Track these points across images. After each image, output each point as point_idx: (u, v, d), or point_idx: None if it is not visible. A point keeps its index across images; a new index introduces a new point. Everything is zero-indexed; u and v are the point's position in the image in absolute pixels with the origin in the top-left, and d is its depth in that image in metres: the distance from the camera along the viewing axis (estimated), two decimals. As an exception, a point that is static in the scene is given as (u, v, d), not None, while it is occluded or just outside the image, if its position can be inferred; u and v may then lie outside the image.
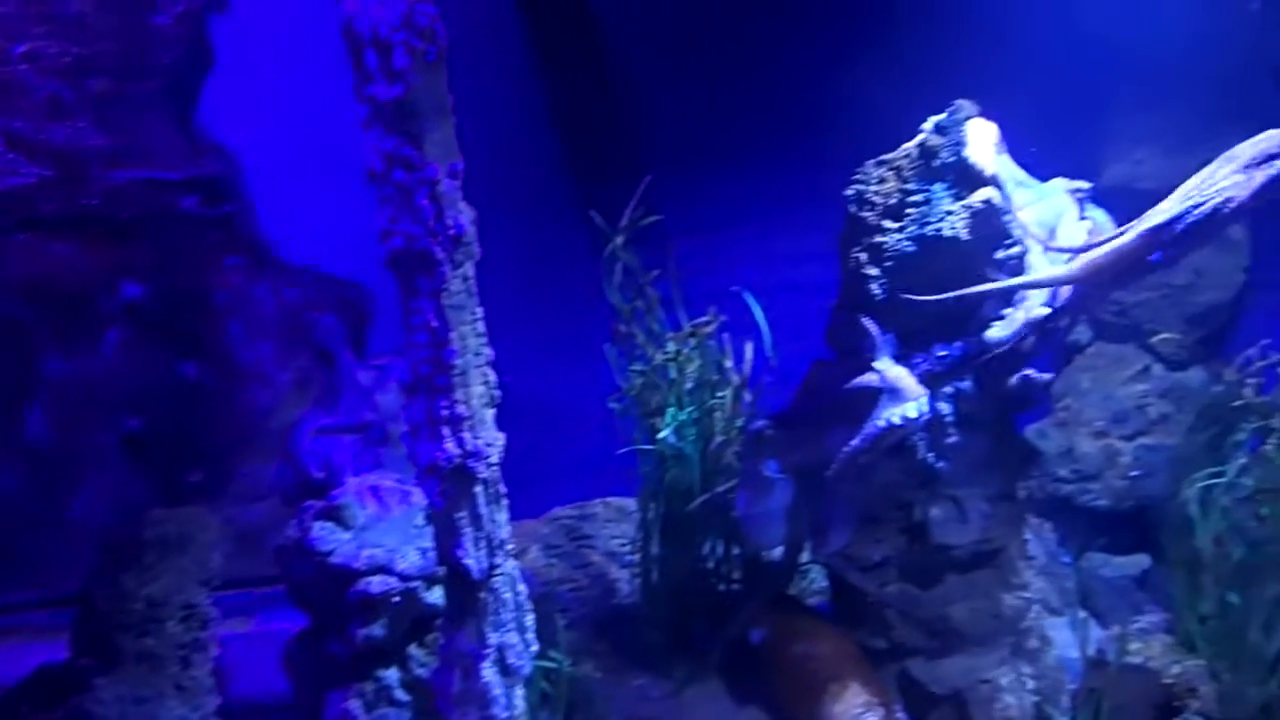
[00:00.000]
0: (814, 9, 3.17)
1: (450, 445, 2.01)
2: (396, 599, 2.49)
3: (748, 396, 2.71)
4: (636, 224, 2.69)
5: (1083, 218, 2.37)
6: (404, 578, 2.49)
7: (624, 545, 3.05)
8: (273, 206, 3.53)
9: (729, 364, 2.71)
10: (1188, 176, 3.34)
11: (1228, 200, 1.97)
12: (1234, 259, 3.31)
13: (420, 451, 2.04)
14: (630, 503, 3.12)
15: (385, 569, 2.50)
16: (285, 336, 3.46)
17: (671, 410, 2.65)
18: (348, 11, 1.81)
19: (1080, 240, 2.29)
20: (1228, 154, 2.05)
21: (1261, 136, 2.03)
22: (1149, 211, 2.11)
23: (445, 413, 2.00)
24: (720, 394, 2.73)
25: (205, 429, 3.50)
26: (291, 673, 2.66)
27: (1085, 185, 2.39)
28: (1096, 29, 3.15)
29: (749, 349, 2.68)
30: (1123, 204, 3.35)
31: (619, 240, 2.67)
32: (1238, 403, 2.80)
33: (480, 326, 2.05)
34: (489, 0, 3.19)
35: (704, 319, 2.72)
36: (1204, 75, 3.18)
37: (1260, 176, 1.96)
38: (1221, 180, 2.00)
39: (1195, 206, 2.01)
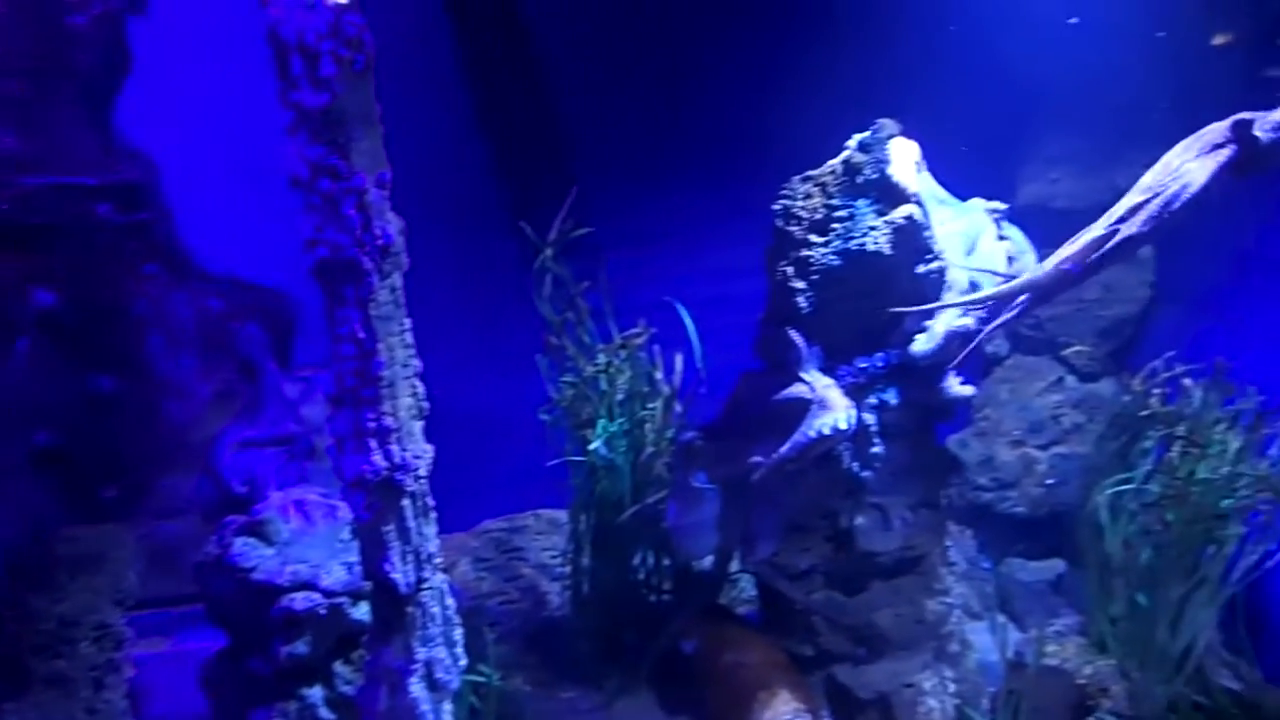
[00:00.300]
0: (744, 28, 3.23)
1: (377, 458, 1.98)
2: (321, 615, 2.44)
3: (678, 408, 2.73)
4: (567, 236, 2.70)
5: (1000, 237, 2.45)
6: (329, 593, 2.44)
7: (555, 557, 3.05)
8: (194, 214, 3.44)
9: (659, 376, 2.74)
10: (1098, 196, 3.50)
11: (1186, 185, 2.07)
12: (1139, 275, 3.46)
13: (346, 464, 2.01)
14: (561, 515, 3.12)
15: (310, 585, 2.44)
16: (206, 347, 3.37)
17: (602, 422, 2.66)
18: (272, 17, 1.79)
19: (1000, 258, 2.38)
20: (1177, 149, 2.16)
21: (1204, 130, 2.14)
22: (1112, 209, 2.20)
23: (372, 425, 1.97)
24: (651, 405, 2.75)
25: (121, 443, 3.38)
26: (211, 693, 2.58)
27: (1001, 205, 2.47)
28: (1014, 58, 3.28)
29: (679, 361, 2.71)
30: (1039, 222, 3.48)
31: (549, 252, 2.68)
32: (1144, 412, 2.92)
33: (408, 338, 2.03)
34: (420, 11, 3.17)
35: (634, 331, 2.74)
36: (1111, 103, 3.33)
37: (1212, 163, 2.06)
38: (1179, 169, 2.10)
39: (1157, 194, 2.10)
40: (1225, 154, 2.05)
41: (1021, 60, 3.32)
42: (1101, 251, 2.15)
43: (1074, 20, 3.25)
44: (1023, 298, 2.23)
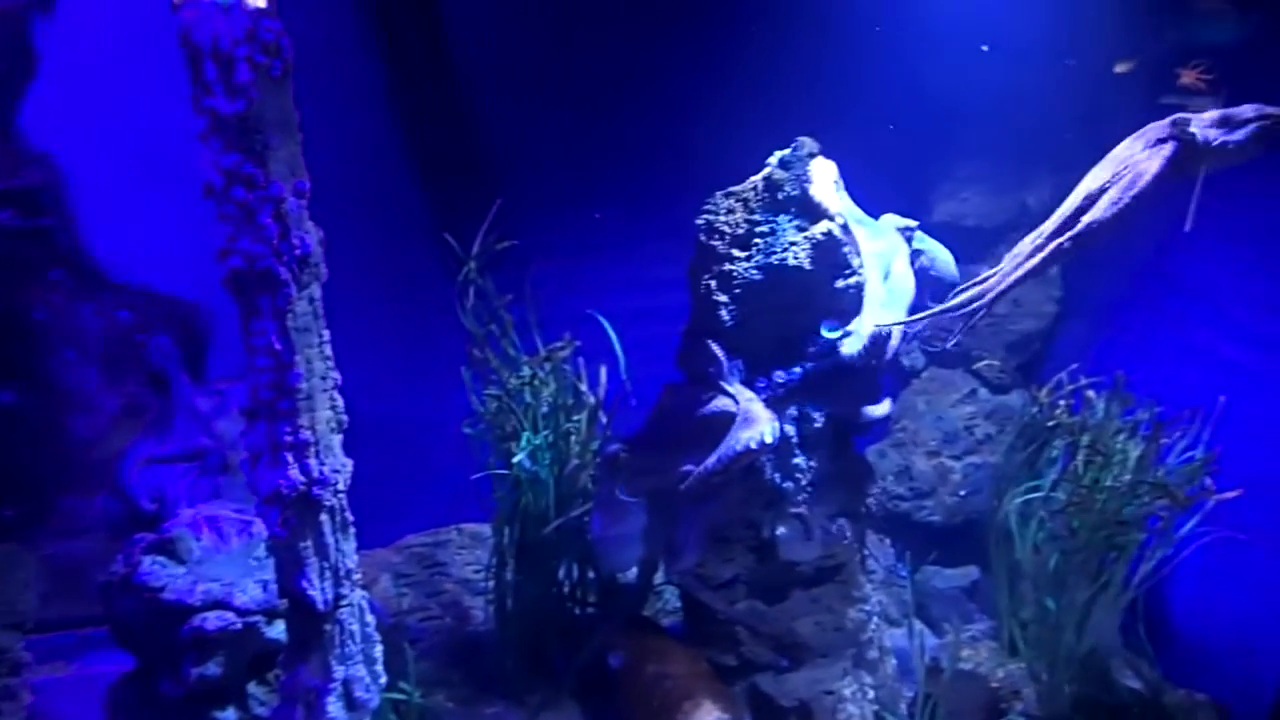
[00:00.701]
0: (671, 45, 3.26)
1: (294, 472, 1.94)
2: (235, 635, 2.37)
3: (603, 420, 2.74)
4: (492, 248, 2.69)
5: (914, 251, 2.52)
6: (243, 612, 2.37)
7: (478, 572, 3.02)
8: (103, 221, 3.32)
9: (585, 388, 2.74)
10: (1006, 215, 3.63)
11: (1140, 174, 2.18)
12: (1046, 291, 3.60)
13: (262, 479, 1.96)
14: (485, 529, 3.09)
15: (222, 604, 2.37)
16: (114, 359, 3.25)
17: (526, 434, 2.65)
18: (186, 21, 1.74)
19: (909, 280, 2.46)
20: (1122, 145, 2.27)
21: (1146, 129, 2.26)
22: (1060, 208, 2.30)
23: (289, 438, 1.93)
24: (576, 418, 2.75)
25: (21, 459, 3.23)
26: (116, 718, 2.48)
27: (913, 223, 2.55)
28: (929, 81, 3.39)
29: (603, 373, 2.71)
30: (952, 238, 3.59)
31: (474, 264, 2.66)
32: (1051, 423, 3.04)
33: (327, 349, 2.00)
34: (343, 19, 3.12)
35: (559, 344, 2.74)
36: (1019, 126, 3.47)
37: (1159, 156, 2.17)
38: (1128, 159, 2.21)
39: (1113, 183, 2.20)
40: (1168, 149, 2.17)
41: (936, 84, 3.43)
42: (1067, 238, 2.24)
43: (985, 48, 3.37)
44: (992, 293, 2.30)
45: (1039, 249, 2.27)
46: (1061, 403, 3.03)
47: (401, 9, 3.12)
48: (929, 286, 2.62)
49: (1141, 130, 2.27)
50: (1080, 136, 3.49)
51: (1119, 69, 3.33)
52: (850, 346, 2.36)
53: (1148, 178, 2.18)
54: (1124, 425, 2.87)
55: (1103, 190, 2.23)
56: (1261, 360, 2.85)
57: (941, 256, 2.65)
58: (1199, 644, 2.97)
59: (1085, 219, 2.23)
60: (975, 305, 2.31)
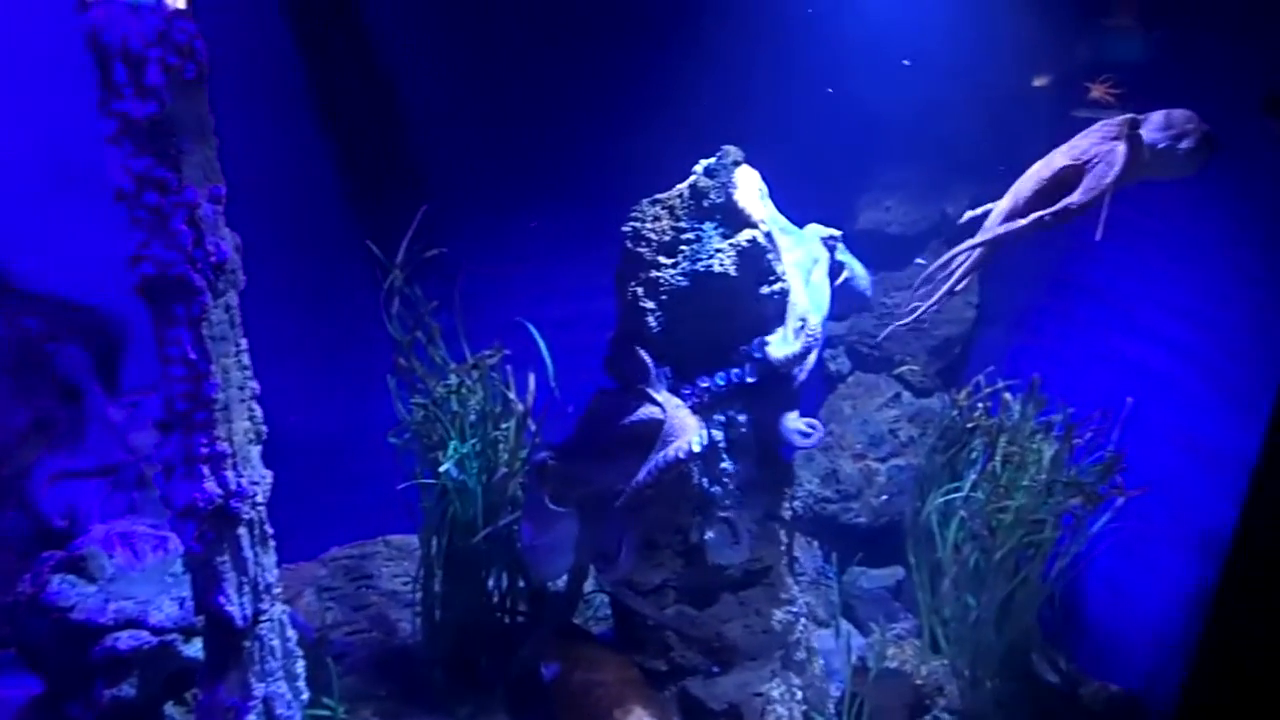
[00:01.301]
0: (597, 54, 3.27)
1: (210, 485, 1.90)
2: (149, 654, 2.30)
3: (532, 427, 2.73)
4: (419, 256, 2.66)
5: (835, 260, 2.57)
6: (158, 630, 2.31)
7: (406, 584, 2.97)
8: (8, 227, 3.19)
9: (513, 395, 2.72)
10: (927, 223, 3.72)
11: (1110, 162, 2.29)
12: (965, 297, 3.70)
13: (176, 492, 1.91)
14: (413, 540, 3.05)
15: (136, 622, 2.31)
16: (21, 370, 3.11)
17: (453, 443, 2.62)
18: (93, 21, 1.69)
19: (826, 289, 2.52)
20: (1078, 138, 2.40)
21: (1098, 124, 2.39)
22: (1016, 185, 2.48)
23: (205, 450, 1.89)
24: (504, 426, 2.73)
25: (-80, 476, 3.08)
26: (23, 745, 2.39)
27: (837, 232, 2.60)
28: (853, 93, 3.47)
29: (532, 380, 2.70)
30: (875, 246, 3.68)
31: (399, 272, 2.63)
32: (970, 425, 3.12)
33: (245, 359, 1.96)
34: (265, 23, 3.06)
35: (487, 351, 2.72)
36: (940, 135, 3.57)
37: (1122, 146, 2.28)
38: (1090, 149, 2.36)
39: (1089, 168, 2.32)
40: (1123, 145, 2.28)
41: (859, 94, 3.51)
42: (1049, 213, 2.38)
43: (907, 62, 3.46)
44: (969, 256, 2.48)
45: (1010, 221, 2.38)
46: (980, 405, 3.12)
47: (325, 11, 3.07)
48: (848, 302, 2.67)
49: (1093, 127, 2.40)
50: (996, 147, 3.61)
51: (1037, 82, 3.44)
52: (776, 352, 2.39)
53: (1116, 168, 2.30)
54: (1039, 426, 2.97)
55: (1076, 173, 2.35)
56: (1166, 362, 2.97)
57: (860, 273, 2.71)
58: (1113, 636, 3.07)
59: (1066, 200, 2.36)
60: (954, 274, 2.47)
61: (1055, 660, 2.97)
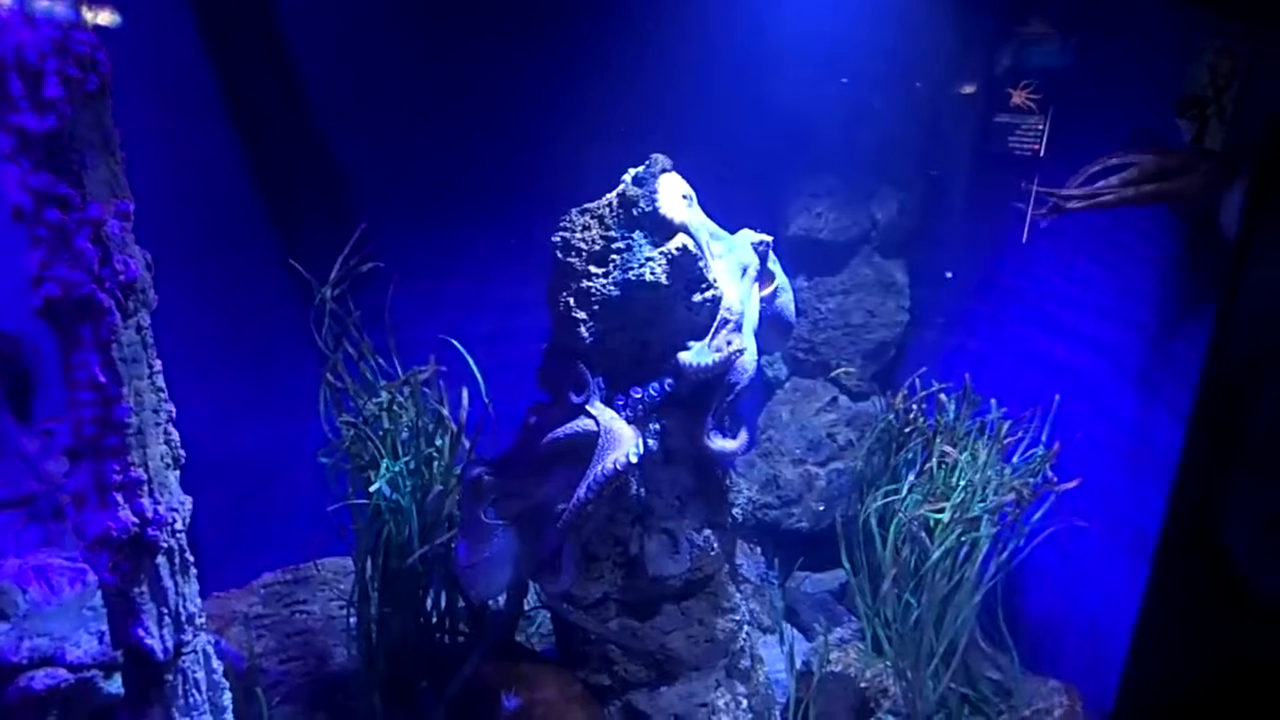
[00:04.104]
0: (525, 66, 3.25)
1: (124, 513, 1.82)
2: (67, 693, 2.19)
3: (466, 444, 2.68)
4: (349, 271, 2.61)
5: (764, 267, 2.57)
6: (76, 667, 2.20)
7: (343, 608, 2.89)
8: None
9: (446, 412, 2.67)
10: (858, 229, 3.76)
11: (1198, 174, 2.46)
12: (897, 301, 3.75)
13: (89, 522, 1.83)
14: (349, 563, 2.97)
15: (52, 660, 2.20)
16: (-74, 400, 2.97)
17: (385, 461, 2.56)
18: (-15, 33, 1.62)
19: (755, 296, 2.52)
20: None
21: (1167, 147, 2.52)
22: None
23: (117, 477, 1.81)
24: (439, 442, 2.68)
25: None
26: (-68, 795, 2.26)
27: (768, 238, 2.60)
28: (782, 105, 3.50)
29: (465, 395, 2.65)
30: (807, 251, 3.71)
31: (329, 289, 2.57)
32: (907, 427, 3.15)
33: (159, 380, 1.88)
34: (183, 30, 2.97)
35: (419, 368, 2.67)
36: (866, 145, 3.62)
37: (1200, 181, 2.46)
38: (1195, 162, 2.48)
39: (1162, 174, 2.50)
40: (1204, 179, 2.46)
41: (786, 103, 3.54)
42: (1137, 195, 2.50)
43: (844, 80, 3.51)
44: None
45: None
46: (915, 407, 3.15)
47: (244, 20, 2.99)
48: (775, 333, 2.68)
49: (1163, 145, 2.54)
50: (923, 152, 3.67)
51: (965, 90, 3.51)
52: (690, 359, 2.37)
53: (1187, 191, 2.47)
54: (972, 427, 3.01)
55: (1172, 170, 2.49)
56: (1092, 362, 3.04)
57: (784, 289, 2.70)
58: (1052, 631, 3.12)
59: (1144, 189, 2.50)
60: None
61: (996, 658, 3.01)
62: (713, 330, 2.36)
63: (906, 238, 3.76)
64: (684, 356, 2.35)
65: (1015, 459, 2.91)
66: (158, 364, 1.87)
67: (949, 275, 3.43)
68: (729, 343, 2.37)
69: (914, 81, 3.58)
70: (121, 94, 1.78)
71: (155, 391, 1.87)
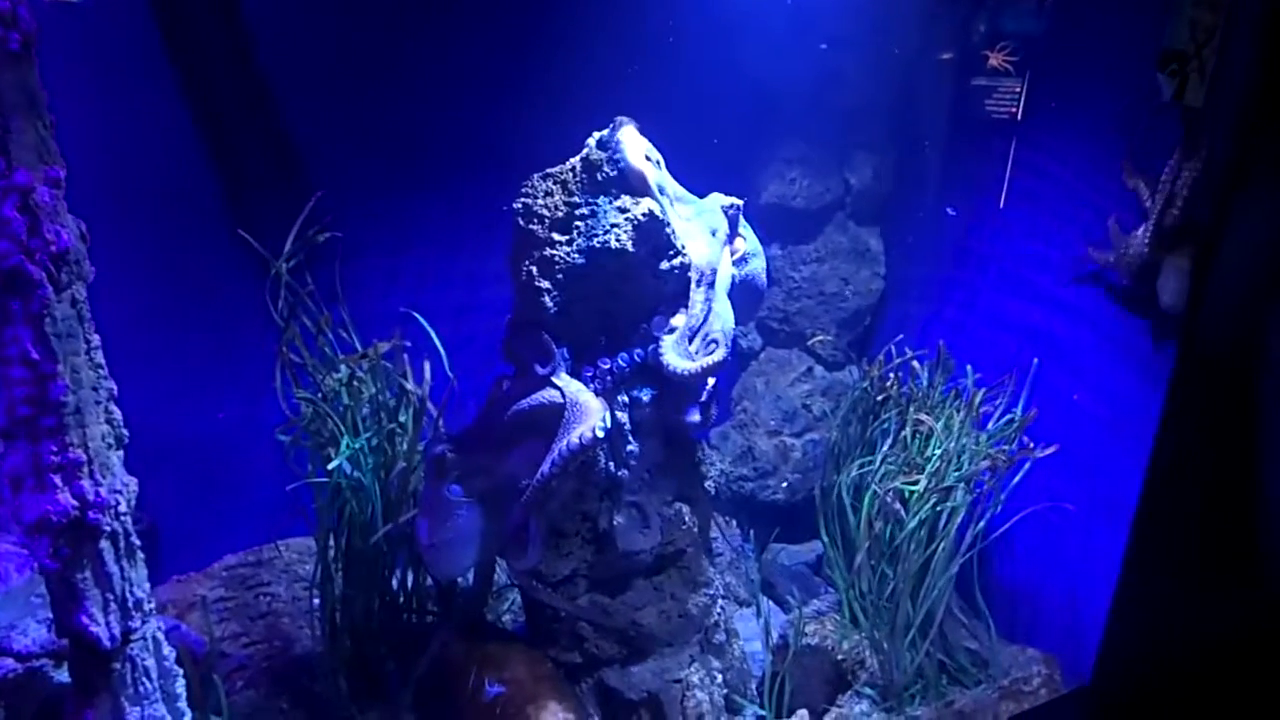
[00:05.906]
0: (488, 30, 3.14)
1: (64, 496, 1.73)
2: (16, 682, 2.12)
3: (434, 413, 2.60)
4: (306, 243, 2.51)
5: (734, 231, 2.50)
6: (24, 656, 2.13)
7: (306, 589, 2.82)
8: None
9: (410, 386, 2.59)
10: (831, 195, 3.69)
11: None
12: (872, 269, 3.69)
13: (26, 506, 1.74)
14: (312, 543, 2.90)
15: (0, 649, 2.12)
16: None
17: (346, 439, 2.48)
18: (-108, -15, 1.51)
19: (727, 261, 2.44)
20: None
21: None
22: None
23: (55, 459, 1.72)
24: (402, 418, 2.60)
25: None
26: (-123, 791, 2.18)
27: (738, 201, 2.52)
28: (753, 70, 3.41)
29: (428, 369, 2.58)
30: (780, 218, 3.63)
31: (285, 262, 2.48)
32: (881, 396, 3.10)
33: (98, 356, 1.79)
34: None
35: (380, 341, 2.58)
36: (839, 110, 3.54)
37: None
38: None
39: None
40: None
41: (762, 69, 3.45)
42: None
43: (824, 46, 3.42)
44: None
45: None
46: (890, 375, 3.10)
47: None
48: (747, 302, 2.61)
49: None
50: (897, 117, 3.60)
51: (944, 57, 3.44)
52: (673, 363, 2.30)
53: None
54: (947, 395, 2.96)
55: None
56: (1069, 329, 2.99)
57: (756, 255, 2.63)
58: (1029, 600, 3.10)
59: None
60: None
61: (974, 628, 2.98)
62: (690, 298, 2.29)
63: (881, 204, 3.70)
64: (666, 359, 2.27)
65: (991, 425, 2.87)
66: (96, 339, 1.78)
67: (951, 212, 3.33)
68: (715, 344, 2.30)
69: (887, 43, 3.50)
70: (50, 53, 1.68)
71: (94, 368, 1.78)
